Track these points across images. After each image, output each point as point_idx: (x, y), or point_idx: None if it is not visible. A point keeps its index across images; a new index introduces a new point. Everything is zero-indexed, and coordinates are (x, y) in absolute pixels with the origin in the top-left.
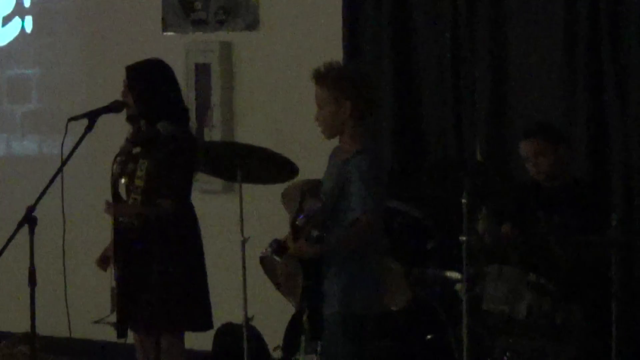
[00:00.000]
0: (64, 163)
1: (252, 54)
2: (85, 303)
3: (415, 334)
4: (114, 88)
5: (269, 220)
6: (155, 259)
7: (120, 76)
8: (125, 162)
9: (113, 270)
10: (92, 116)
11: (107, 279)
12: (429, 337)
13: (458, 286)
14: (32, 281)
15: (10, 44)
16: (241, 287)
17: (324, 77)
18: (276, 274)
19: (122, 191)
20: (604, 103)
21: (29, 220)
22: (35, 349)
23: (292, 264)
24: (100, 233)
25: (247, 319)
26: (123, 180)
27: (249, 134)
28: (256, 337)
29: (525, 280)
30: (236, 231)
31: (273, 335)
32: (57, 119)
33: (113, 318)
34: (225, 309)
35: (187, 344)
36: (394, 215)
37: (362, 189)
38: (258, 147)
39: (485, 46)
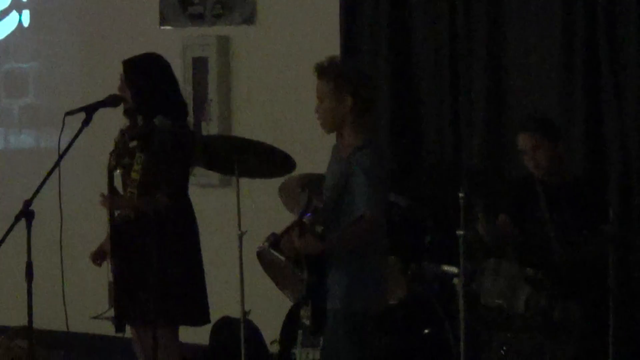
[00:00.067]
0: (61, 157)
1: (249, 48)
2: (83, 297)
3: (412, 328)
4: (111, 82)
5: (266, 214)
6: (152, 253)
7: (118, 70)
8: (119, 154)
9: (110, 265)
10: (89, 110)
11: (104, 273)
12: (426, 331)
13: (455, 280)
14: (29, 275)
15: (8, 38)
16: (238, 281)
17: (326, 70)
18: (273, 268)
19: (119, 184)
20: (601, 101)
21: (26, 214)
22: (33, 343)
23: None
24: (97, 227)
25: (245, 313)
26: (118, 171)
27: (246, 128)
28: (253, 331)
29: (523, 275)
30: (233, 225)
31: (270, 329)
32: (54, 113)
33: (111, 313)
34: (222, 303)
35: (185, 338)
36: (391, 209)
37: (366, 185)
38: (255, 141)
39: (482, 44)
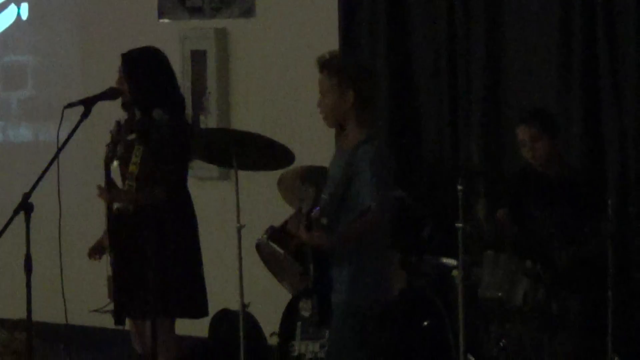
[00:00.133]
0: (59, 150)
1: (247, 41)
2: (82, 290)
3: (411, 320)
4: (109, 75)
5: (265, 207)
6: (150, 246)
7: (116, 63)
8: (115, 145)
9: (109, 258)
10: (88, 103)
11: (103, 266)
12: (425, 323)
13: (454, 273)
14: (28, 268)
15: (6, 31)
16: (237, 274)
17: (328, 65)
18: (272, 260)
19: (117, 177)
20: (599, 98)
21: (25, 207)
22: (32, 335)
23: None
24: (96, 220)
25: (244, 306)
26: (115, 164)
27: (244, 120)
28: (252, 324)
29: (521, 267)
30: (232, 218)
31: (269, 322)
32: (53, 106)
33: (111, 306)
34: (221, 295)
35: (183, 331)
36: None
37: (371, 179)
38: (254, 134)
39: (481, 42)
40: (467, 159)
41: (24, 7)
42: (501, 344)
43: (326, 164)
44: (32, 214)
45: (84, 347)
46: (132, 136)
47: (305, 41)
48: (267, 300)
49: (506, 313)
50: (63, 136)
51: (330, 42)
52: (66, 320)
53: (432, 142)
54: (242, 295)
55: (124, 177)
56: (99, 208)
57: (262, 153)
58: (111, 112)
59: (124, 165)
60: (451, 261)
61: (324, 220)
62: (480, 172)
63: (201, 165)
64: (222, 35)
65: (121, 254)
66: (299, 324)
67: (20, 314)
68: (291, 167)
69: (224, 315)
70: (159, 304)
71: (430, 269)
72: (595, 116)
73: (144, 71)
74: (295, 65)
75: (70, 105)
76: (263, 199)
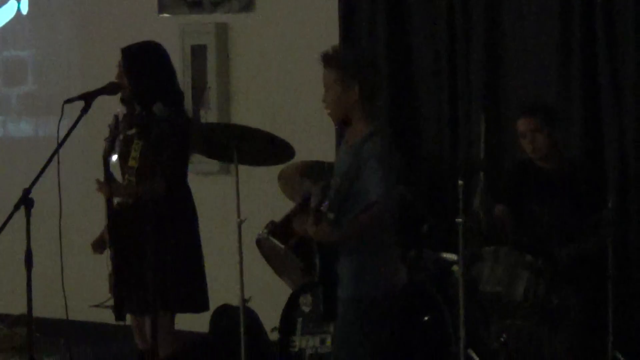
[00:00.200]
0: (60, 145)
1: (248, 36)
2: (82, 285)
3: (411, 315)
4: (109, 70)
5: (265, 202)
6: (150, 241)
7: (116, 58)
8: (113, 140)
9: (110, 253)
10: (88, 98)
11: (103, 261)
12: (425, 318)
13: (454, 268)
14: (29, 263)
15: (6, 26)
16: (238, 269)
17: (332, 59)
18: (272, 255)
19: (117, 171)
20: (598, 94)
21: (26, 202)
22: (32, 330)
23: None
24: (97, 215)
25: (244, 301)
26: (114, 158)
27: (245, 115)
28: (253, 319)
29: (521, 262)
30: (232, 213)
31: (270, 317)
32: (53, 101)
33: (111, 302)
34: (222, 290)
35: (184, 325)
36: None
37: (377, 172)
38: (254, 128)
39: (480, 40)
40: (468, 154)
41: (24, 2)
42: (502, 339)
43: (326, 159)
44: (33, 209)
45: (84, 342)
46: (132, 131)
47: (305, 36)
48: (268, 295)
49: (506, 308)
50: (63, 131)
51: (330, 36)
52: (66, 316)
53: (432, 139)
54: (242, 290)
55: (123, 172)
56: (100, 203)
57: (263, 148)
58: (111, 107)
59: (123, 160)
60: (451, 256)
61: (331, 215)
62: (480, 167)
63: (201, 160)
64: (222, 30)
65: (121, 249)
66: (299, 319)
67: (20, 309)
68: (291, 162)
69: (225, 310)
70: (159, 299)
71: (430, 264)
72: (595, 114)
73: (143, 66)
74: (296, 60)
75: (70, 100)
76: (263, 194)
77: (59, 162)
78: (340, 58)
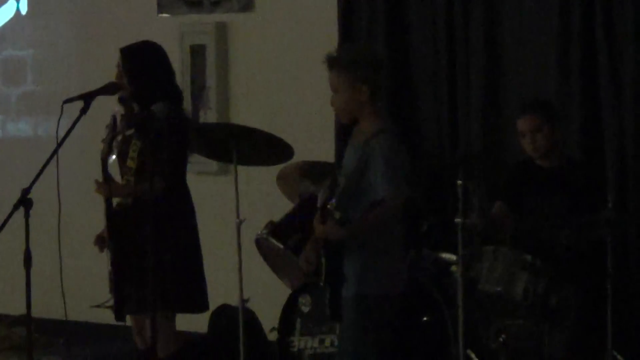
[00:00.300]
0: (59, 145)
1: (247, 36)
2: (81, 285)
3: (411, 315)
4: (109, 70)
5: (264, 202)
6: (149, 241)
7: (115, 58)
8: (111, 141)
9: (109, 253)
10: (87, 98)
11: (103, 261)
12: (425, 318)
13: (454, 268)
14: (28, 263)
15: (5, 25)
16: (237, 269)
17: (339, 61)
18: (272, 255)
19: (116, 171)
20: (598, 87)
21: (25, 202)
22: (31, 331)
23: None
24: (96, 215)
25: (243, 301)
26: (113, 158)
27: (244, 115)
28: (252, 319)
29: (520, 261)
30: (231, 213)
31: (269, 317)
32: (52, 100)
33: (112, 302)
34: (221, 290)
35: (183, 326)
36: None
37: (385, 169)
38: (253, 128)
39: (480, 38)
40: (466, 152)
41: (23, 2)
42: (501, 339)
43: (326, 159)
44: (32, 210)
45: (83, 342)
46: (131, 131)
47: (304, 36)
48: (267, 296)
49: (506, 308)
50: (62, 131)
51: (329, 36)
52: (66, 316)
53: (431, 139)
54: (241, 290)
55: (122, 173)
56: (99, 203)
57: (262, 148)
58: (110, 107)
59: (121, 160)
60: (450, 256)
61: (337, 215)
62: (479, 165)
63: (200, 160)
64: (221, 30)
65: (120, 250)
66: (298, 319)
67: (19, 309)
68: (291, 162)
69: (224, 311)
70: (158, 299)
71: (430, 264)
72: (594, 111)
73: (142, 66)
74: (295, 60)
75: (70, 100)
76: (262, 194)
77: (58, 162)
78: (346, 59)
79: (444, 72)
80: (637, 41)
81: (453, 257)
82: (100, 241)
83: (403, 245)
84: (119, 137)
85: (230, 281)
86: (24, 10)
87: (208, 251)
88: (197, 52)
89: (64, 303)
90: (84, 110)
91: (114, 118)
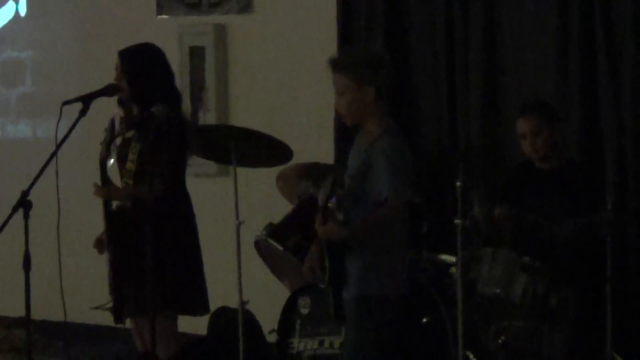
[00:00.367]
0: (58, 147)
1: (246, 37)
2: (81, 287)
3: (410, 317)
4: (108, 72)
5: (263, 203)
6: (149, 243)
7: (114, 60)
8: (109, 144)
9: (108, 256)
10: (86, 100)
11: (102, 263)
12: (424, 320)
13: (453, 269)
14: (27, 265)
15: (4, 27)
16: (236, 271)
17: (342, 63)
18: (271, 257)
19: (116, 175)
20: (597, 87)
21: (24, 204)
22: (31, 332)
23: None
24: (95, 216)
25: (242, 303)
26: (111, 162)
27: (243, 117)
28: (251, 321)
29: (519, 263)
30: (231, 215)
31: (268, 319)
32: (51, 102)
33: (111, 304)
34: (220, 292)
35: (182, 328)
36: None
37: (388, 170)
38: (253, 130)
39: (479, 38)
40: (466, 153)
41: (22, 3)
42: (500, 340)
43: (325, 160)
44: (31, 211)
45: (83, 344)
46: (130, 133)
47: (303, 37)
48: (266, 297)
49: (505, 309)
50: (61, 133)
51: (328, 38)
52: (65, 318)
53: (431, 140)
54: (240, 292)
55: (121, 175)
56: (98, 204)
57: (261, 149)
58: (110, 109)
59: (121, 162)
60: (449, 258)
61: (340, 216)
62: (478, 164)
63: (199, 161)
64: (220, 31)
65: (120, 252)
66: (298, 321)
67: (19, 311)
68: (290, 164)
69: (223, 313)
70: (158, 302)
71: (429, 265)
72: (594, 112)
73: (141, 67)
74: (294, 61)
75: (69, 101)
76: (262, 196)
77: (57, 164)
78: (350, 61)
79: (443, 73)
80: (636, 41)
81: (452, 259)
82: (99, 244)
83: (405, 247)
84: (118, 140)
85: (230, 283)
86: (23, 11)
87: (207, 253)
88: (196, 54)
89: (64, 305)
90: (83, 112)
91: (112, 122)
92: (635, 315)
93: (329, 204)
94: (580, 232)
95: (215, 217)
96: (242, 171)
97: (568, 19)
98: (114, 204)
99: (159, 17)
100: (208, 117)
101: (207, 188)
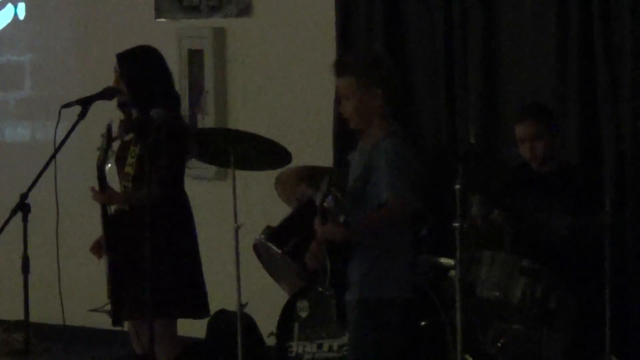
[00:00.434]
0: (57, 150)
1: (245, 40)
2: (79, 290)
3: (409, 320)
4: (107, 75)
5: (262, 207)
6: (147, 246)
7: (113, 63)
8: (106, 149)
9: (107, 259)
10: (85, 103)
11: (100, 266)
12: (423, 323)
13: (452, 272)
14: (26, 269)
15: (3, 30)
16: (235, 274)
17: (348, 67)
18: (269, 260)
19: (115, 178)
20: (596, 88)
21: (22, 207)
22: (29, 336)
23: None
24: (94, 220)
25: (241, 306)
26: (109, 167)
27: (242, 120)
28: (250, 324)
29: (518, 265)
30: (229, 218)
31: (267, 322)
32: (50, 105)
33: (109, 306)
34: (218, 296)
35: (181, 331)
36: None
37: (391, 171)
38: (251, 133)
39: (477, 39)
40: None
41: (21, 6)
42: (499, 344)
43: (324, 163)
44: (30, 215)
45: (81, 347)
46: (129, 137)
47: (302, 40)
48: (265, 301)
49: (504, 312)
50: (60, 136)
51: (327, 41)
52: (64, 321)
53: (430, 141)
54: (239, 295)
55: (120, 178)
56: (97, 208)
57: (260, 153)
58: (108, 112)
59: (119, 166)
60: (448, 261)
61: (342, 217)
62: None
63: (198, 165)
64: (219, 35)
65: (118, 256)
66: (296, 324)
67: (17, 314)
68: (288, 167)
69: (222, 316)
70: (160, 305)
71: (428, 268)
72: (592, 113)
73: (140, 70)
74: (293, 65)
75: (68, 105)
76: (260, 199)
77: (55, 167)
78: (357, 63)
79: (442, 74)
80: (635, 43)
81: (451, 262)
82: (97, 249)
83: (408, 250)
84: (116, 144)
85: (228, 286)
86: (21, 15)
87: (206, 256)
88: (195, 57)
89: (62, 308)
90: (82, 115)
91: (109, 127)
92: (634, 317)
93: (325, 203)
94: (579, 229)
95: (214, 220)
96: (240, 174)
97: (567, 20)
98: (113, 207)
99: (158, 20)
100: (207, 121)
101: (205, 191)
